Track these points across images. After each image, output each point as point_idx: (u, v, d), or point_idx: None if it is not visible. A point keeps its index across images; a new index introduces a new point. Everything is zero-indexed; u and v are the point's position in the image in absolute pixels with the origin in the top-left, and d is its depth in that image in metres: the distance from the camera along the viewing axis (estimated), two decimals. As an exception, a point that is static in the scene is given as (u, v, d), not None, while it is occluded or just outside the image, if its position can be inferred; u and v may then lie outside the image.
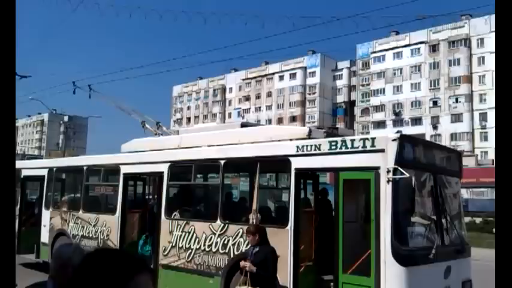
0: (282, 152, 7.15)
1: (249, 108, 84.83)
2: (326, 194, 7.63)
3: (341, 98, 79.99)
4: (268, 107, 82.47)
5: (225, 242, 7.59)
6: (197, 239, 8.03)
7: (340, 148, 6.46)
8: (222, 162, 7.89)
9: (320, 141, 6.77)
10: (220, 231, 7.69)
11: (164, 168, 8.81)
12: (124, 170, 9.71)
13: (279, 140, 7.46)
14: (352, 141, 6.37)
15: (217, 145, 8.24)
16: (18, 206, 12.72)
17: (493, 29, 64.25)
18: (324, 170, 6.61)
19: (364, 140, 6.25)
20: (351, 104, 78.42)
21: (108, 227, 9.82)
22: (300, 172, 6.85)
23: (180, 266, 8.26)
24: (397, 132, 6.31)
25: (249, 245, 6.31)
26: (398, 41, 72.03)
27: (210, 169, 8.70)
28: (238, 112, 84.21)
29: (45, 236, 11.65)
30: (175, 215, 8.65)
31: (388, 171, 5.90)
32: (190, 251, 8.13)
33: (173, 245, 8.44)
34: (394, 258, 5.76)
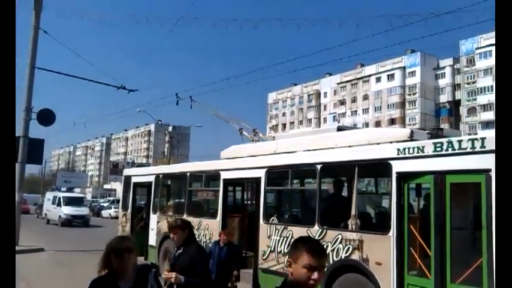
0: (382, 155, 6.88)
1: (345, 113, 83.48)
2: (422, 199, 7.20)
3: (444, 98, 75.77)
4: (365, 110, 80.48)
5: (324, 247, 7.46)
6: (295, 244, 7.99)
7: (446, 150, 6.06)
8: (319, 166, 7.80)
9: (423, 143, 6.42)
10: (318, 236, 7.59)
11: (261, 173, 8.92)
12: (224, 175, 9.99)
13: (378, 143, 7.20)
14: (460, 142, 5.95)
15: (314, 149, 8.17)
16: (130, 210, 13.65)
17: None
18: (429, 173, 6.21)
19: (473, 140, 5.80)
20: (456, 103, 74.03)
21: (210, 231, 10.16)
22: (402, 176, 6.54)
23: (279, 270, 8.29)
24: None
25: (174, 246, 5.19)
26: (507, 34, 66.61)
27: (306, 174, 8.65)
28: (334, 117, 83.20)
29: (152, 239, 12.35)
30: (273, 219, 8.71)
31: (502, 174, 5.42)
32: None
33: (272, 249, 8.49)
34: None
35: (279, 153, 8.94)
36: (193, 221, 10.62)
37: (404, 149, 6.55)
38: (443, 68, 76.16)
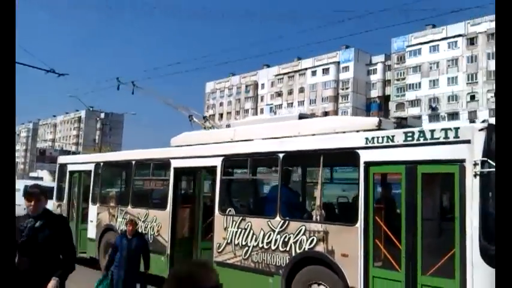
0: (349, 145, 6.68)
1: (281, 104, 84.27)
2: (390, 190, 7.12)
3: (375, 93, 78.52)
4: (301, 103, 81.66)
5: (286, 239, 7.19)
6: (254, 236, 7.66)
7: (418, 139, 5.94)
8: (281, 155, 7.47)
9: (393, 132, 6.27)
10: (280, 228, 7.30)
11: (217, 162, 8.47)
12: (175, 164, 9.42)
13: (344, 132, 6.99)
14: (432, 132, 5.84)
15: (275, 138, 7.84)
16: (65, 201, 12.67)
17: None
18: (399, 163, 6.08)
19: (446, 130, 5.71)
20: (386, 99, 76.90)
21: (158, 223, 9.57)
22: (370, 166, 6.36)
23: (236, 263, 7.92)
24: (483, 121, 5.75)
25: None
26: (434, 34, 70.27)
27: (267, 163, 8.30)
28: (271, 108, 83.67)
29: (92, 232, 11.53)
30: (230, 210, 8.30)
31: (476, 164, 5.36)
32: (247, 248, 7.77)
33: (228, 241, 8.09)
34: (483, 258, 5.23)
35: (236, 141, 8.52)
36: (139, 212, 10.02)
37: (373, 138, 6.38)
38: (375, 64, 78.76)
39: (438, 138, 5.76)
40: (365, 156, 6.41)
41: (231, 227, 8.08)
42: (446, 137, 5.68)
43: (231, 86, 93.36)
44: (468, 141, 5.47)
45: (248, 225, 7.80)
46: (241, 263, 7.86)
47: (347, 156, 6.78)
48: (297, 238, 7.06)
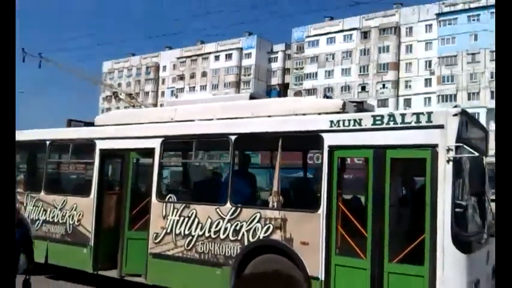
0: (312, 127, 6.32)
1: (183, 88, 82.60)
2: (355, 175, 6.91)
3: (275, 81, 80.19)
4: (203, 87, 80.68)
5: (237, 227, 6.68)
6: (200, 225, 7.04)
7: (388, 123, 5.75)
8: (233, 137, 6.91)
9: (361, 116, 6.03)
10: (230, 215, 6.76)
11: (156, 144, 7.66)
12: (101, 145, 8.40)
13: (304, 114, 6.62)
14: (403, 116, 5.67)
15: (224, 118, 7.24)
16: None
17: (421, 18, 67.47)
18: (366, 147, 5.85)
19: (418, 114, 5.57)
20: (285, 86, 78.85)
21: (79, 211, 8.50)
22: (334, 150, 6.06)
23: (178, 255, 7.24)
24: (455, 106, 5.71)
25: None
26: (332, 27, 73.28)
27: (216, 145, 7.66)
28: (172, 91, 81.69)
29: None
30: (170, 197, 7.57)
31: (449, 150, 5.29)
32: (190, 238, 7.12)
33: (168, 231, 7.37)
34: (454, 244, 5.19)
35: (178, 121, 7.76)
36: (55, 199, 8.88)
37: (338, 121, 6.08)
38: (276, 52, 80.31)
39: (409, 123, 5.60)
40: (329, 139, 6.10)
41: (172, 215, 7.37)
42: (418, 121, 5.55)
43: (131, 67, 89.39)
44: (441, 126, 5.38)
45: (192, 213, 7.15)
46: (183, 254, 7.20)
47: (309, 140, 6.43)
48: (251, 226, 6.58)
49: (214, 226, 6.90)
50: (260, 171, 8.45)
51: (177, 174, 8.44)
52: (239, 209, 6.72)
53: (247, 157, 7.87)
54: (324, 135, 6.14)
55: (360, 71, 70.52)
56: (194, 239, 7.09)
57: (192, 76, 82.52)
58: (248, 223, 6.60)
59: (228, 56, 79.45)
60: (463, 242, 5.22)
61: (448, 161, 5.30)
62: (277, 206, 6.43)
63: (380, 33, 69.36)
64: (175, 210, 7.33)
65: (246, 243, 6.60)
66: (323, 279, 5.96)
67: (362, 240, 5.78)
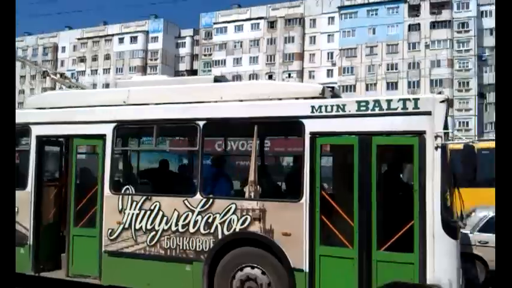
0: (292, 113, 6.04)
1: (84, 71, 77.84)
2: (339, 162, 6.70)
3: (183, 66, 78.63)
4: (106, 71, 76.66)
5: (210, 220, 6.23)
6: (165, 218, 6.48)
7: (373, 109, 5.64)
8: (201, 123, 6.40)
9: (344, 101, 5.86)
10: (201, 207, 6.29)
11: (107, 129, 6.90)
12: (37, 131, 7.40)
13: (280, 99, 6.30)
14: (389, 101, 5.60)
15: (187, 102, 6.67)
16: None
17: (324, 10, 70.03)
18: (350, 134, 5.70)
19: (404, 100, 5.53)
20: (193, 73, 77.61)
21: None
22: (316, 137, 5.84)
23: (139, 252, 6.62)
24: (439, 93, 5.74)
25: None
26: (239, 15, 73.40)
27: (181, 132, 7.06)
28: (72, 74, 76.40)
29: None
30: (127, 189, 6.87)
31: (437, 137, 5.31)
32: (154, 233, 6.54)
33: (126, 226, 6.71)
34: (445, 230, 5.25)
35: (133, 105, 7.03)
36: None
37: (320, 106, 5.87)
38: (184, 37, 78.67)
39: (396, 109, 5.55)
40: (310, 126, 5.86)
41: (130, 208, 6.70)
42: (404, 107, 5.51)
43: (26, 47, 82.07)
44: (429, 113, 5.38)
45: (155, 206, 6.56)
46: (145, 251, 6.60)
47: (288, 126, 6.15)
48: (225, 218, 6.17)
49: (182, 219, 6.39)
50: (230, 159, 7.96)
51: (135, 164, 7.69)
52: (211, 200, 6.27)
53: (217, 144, 7.37)
54: (304, 121, 5.89)
55: (267, 60, 71.63)
56: (158, 234, 6.51)
57: (95, 59, 77.98)
58: (222, 215, 6.18)
59: (134, 39, 76.21)
60: (452, 228, 5.29)
61: (436, 148, 5.32)
62: (255, 196, 6.09)
63: (286, 23, 70.85)
64: (134, 203, 6.68)
65: (220, 236, 6.19)
66: (307, 270, 5.76)
67: (348, 228, 5.66)
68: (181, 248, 6.39)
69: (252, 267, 6.04)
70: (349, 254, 5.63)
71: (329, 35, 69.83)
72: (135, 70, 75.46)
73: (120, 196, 6.78)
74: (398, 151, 5.91)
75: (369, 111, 5.65)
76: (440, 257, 5.25)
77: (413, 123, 5.44)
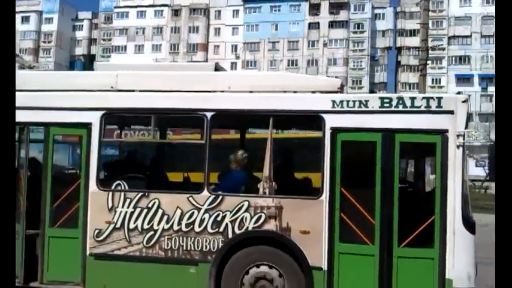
0: (311, 107, 5.83)
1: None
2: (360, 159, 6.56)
3: (80, 51, 74.11)
4: (-8, 51, 69.49)
5: (218, 218, 5.83)
6: (166, 217, 5.94)
7: (396, 106, 5.65)
8: (210, 114, 5.94)
9: (367, 97, 5.81)
10: (209, 205, 5.86)
11: (94, 118, 6.13)
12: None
13: (295, 92, 6.05)
14: (412, 99, 5.65)
15: (188, 91, 6.15)
16: None
17: (230, 3, 70.10)
18: (374, 130, 5.65)
19: (428, 99, 5.62)
20: (91, 58, 73.42)
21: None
22: (337, 132, 5.71)
23: (133, 254, 6.00)
24: (458, 93, 5.89)
25: None
26: (142, 0, 70.94)
27: (184, 123, 6.47)
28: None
29: None
30: (119, 184, 6.17)
31: (459, 136, 5.47)
32: (152, 233, 5.96)
33: (117, 226, 6.03)
34: (465, 226, 5.43)
35: (122, 91, 6.31)
36: None
37: (341, 101, 5.75)
38: (82, 20, 74.16)
39: (419, 107, 5.61)
40: (331, 121, 5.71)
41: (122, 206, 6.04)
42: (428, 106, 5.59)
43: None
44: (451, 112, 5.51)
45: (154, 204, 5.98)
46: (141, 252, 5.99)
47: (307, 120, 5.93)
48: (236, 216, 5.81)
49: (186, 218, 5.89)
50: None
51: (128, 156, 6.89)
52: (220, 197, 5.86)
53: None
54: (325, 116, 5.73)
55: (171, 49, 70.31)
56: (157, 234, 5.95)
57: (-21, 37, 70.26)
58: (233, 213, 5.81)
59: (25, 19, 69.81)
60: (470, 224, 5.49)
61: (458, 146, 5.47)
62: (270, 193, 5.81)
63: (190, 13, 70.01)
64: (128, 200, 6.03)
65: (230, 235, 5.81)
66: (326, 269, 5.63)
67: (369, 225, 5.62)
68: (184, 248, 5.90)
69: (270, 267, 5.76)
70: (370, 251, 5.60)
71: (234, 28, 70.30)
72: (26, 52, 69.23)
73: (110, 193, 6.08)
74: (421, 148, 6.00)
75: (392, 108, 5.66)
76: (460, 252, 5.42)
77: (437, 122, 5.54)
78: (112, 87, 6.37)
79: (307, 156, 7.07)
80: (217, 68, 6.74)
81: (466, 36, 65.88)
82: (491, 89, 54.58)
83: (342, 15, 68.31)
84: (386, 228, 5.56)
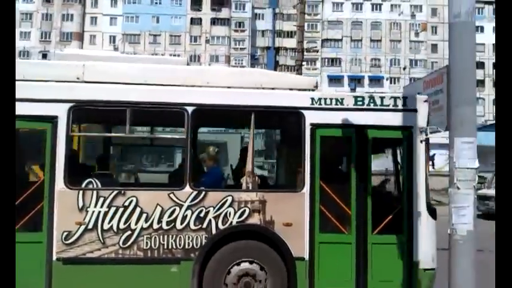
0: (292, 103, 6.01)
1: None
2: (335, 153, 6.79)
3: None
4: None
5: (201, 214, 5.76)
6: (144, 215, 5.69)
7: (368, 105, 6.10)
8: (190, 109, 5.81)
9: (342, 95, 6.15)
10: (191, 201, 5.75)
11: (59, 111, 5.64)
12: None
13: (273, 88, 6.17)
14: (382, 98, 6.14)
15: (163, 85, 5.93)
16: None
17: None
18: (348, 126, 6.00)
19: (395, 98, 6.15)
20: None
21: None
22: (316, 128, 5.99)
23: (107, 256, 5.65)
24: (419, 93, 6.48)
25: None
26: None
27: (162, 117, 6.16)
28: None
29: None
30: (90, 182, 5.74)
31: (421, 131, 6.09)
32: (129, 232, 5.67)
33: (89, 227, 5.63)
34: (428, 212, 6.07)
35: (89, 82, 5.86)
36: None
37: (319, 99, 6.04)
38: None
39: (388, 105, 6.12)
40: (311, 117, 5.98)
41: (95, 206, 5.65)
42: (395, 104, 6.12)
43: None
44: (415, 110, 6.12)
45: (131, 202, 5.70)
46: (117, 254, 5.67)
47: (288, 116, 6.08)
48: (220, 211, 5.79)
49: (167, 215, 5.72)
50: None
51: (101, 152, 6.26)
52: (203, 192, 5.79)
53: (204, 132, 6.69)
54: (305, 112, 5.98)
55: (42, 37, 65.25)
56: (135, 234, 5.68)
57: None
58: (216, 208, 5.78)
59: None
60: (432, 210, 6.15)
61: (421, 141, 6.10)
62: (253, 187, 5.89)
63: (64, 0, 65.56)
64: (101, 199, 5.66)
65: (214, 231, 5.78)
66: (307, 258, 5.90)
67: (345, 215, 6.01)
68: (165, 247, 5.72)
69: (251, 262, 5.84)
70: (347, 239, 6.00)
71: (112, 18, 67.37)
72: None
73: (81, 191, 5.64)
74: (389, 143, 6.50)
75: (365, 106, 6.10)
76: (425, 237, 6.04)
77: (403, 119, 6.10)
78: (78, 78, 5.89)
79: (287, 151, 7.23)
80: (188, 63, 6.58)
81: (338, 40, 71.01)
82: (360, 89, 59.46)
83: (224, 13, 69.24)
84: (362, 218, 5.99)
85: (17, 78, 5.65)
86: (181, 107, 5.83)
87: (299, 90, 6.21)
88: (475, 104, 4.79)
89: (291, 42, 61.35)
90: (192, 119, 5.84)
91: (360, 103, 6.10)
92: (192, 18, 69.10)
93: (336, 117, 6.06)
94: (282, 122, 6.89)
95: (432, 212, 6.12)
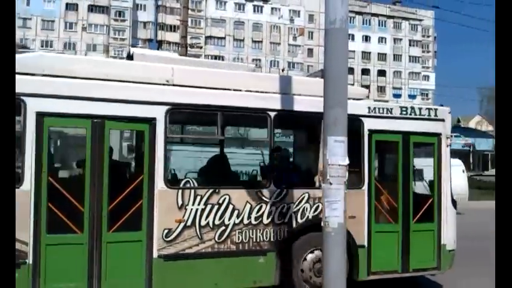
0: (355, 112, 6.81)
1: None
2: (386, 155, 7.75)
3: None
4: None
5: (284, 210, 6.40)
6: (236, 212, 6.16)
7: (410, 114, 7.22)
8: (273, 114, 6.38)
9: (391, 106, 7.17)
10: (275, 198, 6.35)
11: (158, 113, 5.82)
12: (39, 106, 5.36)
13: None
14: (420, 109, 7.31)
15: (251, 91, 6.42)
16: None
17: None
18: (396, 132, 7.01)
19: (429, 109, 7.36)
20: None
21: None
22: (372, 133, 6.95)
23: (205, 250, 6.00)
24: (441, 105, 7.71)
25: None
26: None
27: (248, 121, 6.51)
28: None
29: None
30: (187, 182, 6.00)
31: (448, 138, 7.41)
32: (223, 228, 6.10)
33: (188, 224, 5.94)
34: (452, 204, 7.41)
35: (178, 86, 6.09)
36: None
37: (374, 108, 7.02)
38: None
39: (424, 115, 7.32)
40: (368, 124, 6.93)
41: (193, 204, 5.97)
42: (429, 114, 7.35)
43: None
44: (443, 120, 7.42)
45: (224, 200, 6.11)
46: (213, 248, 6.05)
47: (352, 123, 6.90)
48: (299, 207, 6.49)
49: (255, 211, 6.25)
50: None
51: (195, 154, 6.25)
52: (285, 191, 6.43)
53: (285, 135, 7.15)
54: (363, 119, 6.91)
55: None
56: (229, 229, 6.13)
57: None
58: (296, 204, 6.47)
59: None
60: (454, 202, 7.50)
61: (447, 146, 7.42)
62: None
63: None
64: (198, 197, 5.99)
65: (294, 225, 6.45)
66: (366, 245, 6.85)
67: (394, 208, 7.10)
68: (254, 240, 6.24)
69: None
70: (395, 228, 7.10)
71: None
72: None
73: (180, 190, 5.91)
74: (425, 147, 7.68)
75: (408, 115, 7.22)
76: (450, 224, 7.38)
77: (435, 127, 7.35)
78: (168, 81, 6.10)
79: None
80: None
81: (221, 38, 72.37)
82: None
83: (103, 1, 66.51)
84: (406, 210, 7.11)
85: (101, 78, 5.78)
86: (264, 112, 6.37)
87: (354, 99, 7.10)
88: (347, 106, 5.08)
89: (174, 37, 60.92)
90: (274, 123, 6.42)
91: (405, 112, 7.20)
92: (67, 4, 65.29)
93: (386, 125, 7.08)
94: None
95: (454, 204, 7.47)
